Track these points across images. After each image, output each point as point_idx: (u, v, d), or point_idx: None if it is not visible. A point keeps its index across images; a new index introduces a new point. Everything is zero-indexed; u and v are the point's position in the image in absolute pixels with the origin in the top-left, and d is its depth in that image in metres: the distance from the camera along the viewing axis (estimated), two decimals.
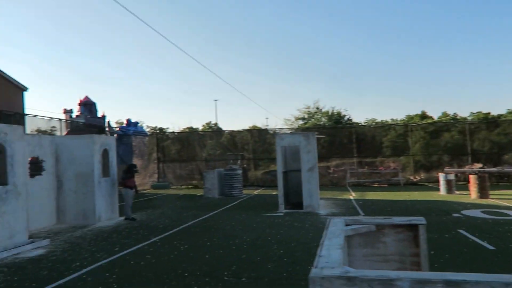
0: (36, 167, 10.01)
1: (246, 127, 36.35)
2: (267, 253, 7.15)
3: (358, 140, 24.02)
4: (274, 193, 18.92)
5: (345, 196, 16.92)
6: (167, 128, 48.31)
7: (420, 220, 2.61)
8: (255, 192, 20.09)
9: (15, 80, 20.58)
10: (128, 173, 11.51)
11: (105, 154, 11.18)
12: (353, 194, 17.69)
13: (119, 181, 11.54)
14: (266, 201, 15.57)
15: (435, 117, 31.98)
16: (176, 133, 29.02)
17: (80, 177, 10.69)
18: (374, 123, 32.94)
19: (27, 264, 6.74)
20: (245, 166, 24.10)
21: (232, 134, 27.58)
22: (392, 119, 35.00)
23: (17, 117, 15.83)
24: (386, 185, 21.98)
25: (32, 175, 9.95)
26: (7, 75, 19.91)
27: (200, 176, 25.12)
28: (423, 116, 31.72)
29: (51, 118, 16.69)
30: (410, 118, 32.57)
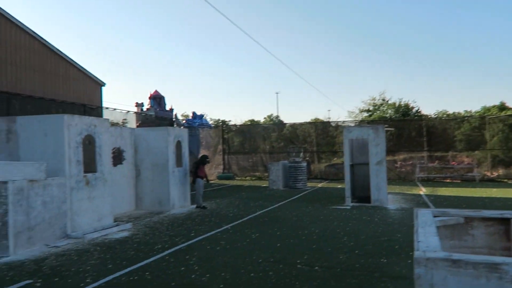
0: (118, 156, 10.89)
1: (307, 120, 36.21)
2: (337, 244, 7.21)
3: (428, 133, 22.87)
4: (339, 186, 18.75)
5: (415, 191, 16.29)
6: (230, 121, 49.53)
7: None
8: (319, 185, 20.04)
9: (94, 76, 22.28)
10: (199, 163, 12.10)
11: (178, 145, 11.85)
12: (423, 189, 16.98)
13: (191, 171, 12.16)
14: (331, 194, 15.49)
15: None
16: (238, 126, 29.70)
17: (156, 167, 11.45)
18: (445, 115, 31.13)
19: (115, 244, 7.43)
20: (307, 159, 24.06)
21: (294, 126, 27.62)
22: (466, 111, 32.82)
23: (99, 110, 17.20)
24: (459, 181, 20.78)
25: (115, 164, 10.82)
26: (88, 71, 21.62)
27: (263, 168, 25.54)
28: (502, 107, 29.31)
29: (128, 111, 17.90)
30: (486, 109, 30.27)
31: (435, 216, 2.50)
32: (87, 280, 5.33)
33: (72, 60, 19.58)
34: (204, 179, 12.22)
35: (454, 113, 33.18)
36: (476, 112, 31.61)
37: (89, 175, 8.30)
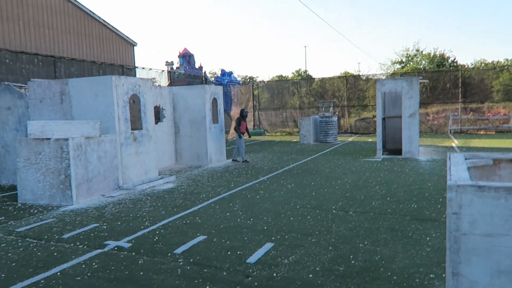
0: (158, 114, 11.48)
1: (336, 74, 35.64)
2: (369, 192, 7.63)
3: (464, 84, 22.27)
4: (370, 140, 18.94)
5: (447, 143, 16.30)
6: (257, 77, 49.31)
7: None
8: (350, 139, 20.26)
9: (127, 36, 22.73)
10: (241, 118, 12.55)
11: (214, 102, 12.31)
12: (456, 141, 16.93)
13: (235, 128, 12.62)
14: (362, 147, 15.76)
15: None
16: (266, 82, 29.74)
17: (193, 123, 12.02)
18: (484, 65, 29.91)
19: (163, 194, 8.15)
20: (337, 113, 24.11)
21: (323, 81, 27.44)
22: (506, 60, 31.36)
23: (135, 70, 17.75)
24: (493, 133, 20.46)
25: (156, 122, 11.45)
26: (120, 32, 22.06)
27: (293, 123, 25.86)
28: None
29: (162, 71, 18.36)
30: None
31: (466, 159, 2.83)
32: (146, 224, 6.04)
33: (104, 21, 20.01)
34: (245, 135, 12.68)
35: (493, 62, 31.81)
36: None
37: (136, 132, 8.93)
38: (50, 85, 8.74)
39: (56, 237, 5.53)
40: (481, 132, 20.85)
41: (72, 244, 5.18)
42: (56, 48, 16.76)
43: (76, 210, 7.00)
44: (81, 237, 5.49)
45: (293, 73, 55.96)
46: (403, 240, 4.90)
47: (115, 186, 8.43)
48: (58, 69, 13.26)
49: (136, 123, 9.25)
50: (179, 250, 4.83)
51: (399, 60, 33.87)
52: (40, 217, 6.64)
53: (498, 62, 31.97)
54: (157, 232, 5.60)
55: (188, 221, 6.10)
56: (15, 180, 9.60)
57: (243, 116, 12.64)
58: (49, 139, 7.35)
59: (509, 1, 59.89)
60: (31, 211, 7.06)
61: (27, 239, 5.48)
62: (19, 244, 5.28)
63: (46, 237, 5.54)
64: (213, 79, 29.99)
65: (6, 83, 9.81)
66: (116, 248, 4.98)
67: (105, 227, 5.94)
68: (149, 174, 9.50)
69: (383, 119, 13.26)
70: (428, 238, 4.93)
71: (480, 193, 1.74)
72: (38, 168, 7.43)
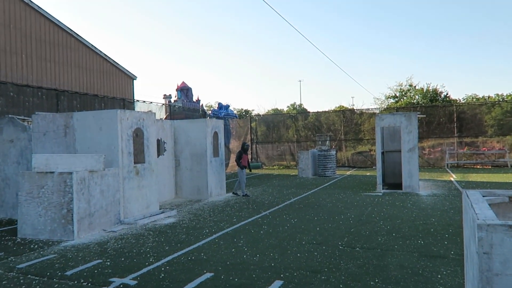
0: (159, 148, 11.51)
1: (331, 108, 36.19)
2: (374, 228, 7.59)
3: (458, 119, 22.67)
4: (368, 173, 18.99)
5: (445, 177, 16.38)
6: (253, 110, 49.84)
7: None
8: (348, 172, 20.31)
9: (127, 70, 23.10)
10: (242, 152, 12.58)
11: (215, 136, 12.40)
12: (454, 175, 17.03)
13: (236, 161, 12.62)
14: (361, 181, 15.78)
15: None
16: (261, 115, 30.06)
17: (194, 157, 12.04)
18: (475, 100, 30.58)
19: (166, 229, 8.04)
20: (334, 147, 24.28)
21: (318, 114, 27.82)
22: (497, 95, 32.15)
23: (134, 104, 17.92)
24: (490, 167, 20.64)
25: (157, 155, 11.46)
26: (121, 66, 22.43)
27: (291, 157, 25.96)
28: None
29: (163, 104, 18.57)
30: None
31: (483, 196, 2.87)
32: (151, 260, 5.92)
33: (105, 55, 20.39)
34: (246, 168, 12.68)
35: (484, 97, 32.56)
36: (507, 96, 30.92)
37: (139, 165, 8.92)
38: (54, 118, 8.80)
39: (59, 273, 5.40)
40: (478, 166, 21.03)
41: (76, 282, 5.06)
42: (58, 81, 16.97)
43: (78, 246, 6.87)
44: (85, 274, 5.36)
45: (288, 106, 56.73)
46: (414, 278, 4.84)
47: (116, 220, 8.32)
48: (61, 102, 13.39)
49: (138, 156, 9.26)
50: None
51: (393, 94, 34.58)
52: (41, 252, 6.50)
53: (489, 97, 32.74)
54: (163, 268, 5.49)
55: (193, 257, 6.00)
56: (13, 214, 9.46)
57: (244, 149, 12.69)
58: (53, 172, 7.32)
59: (497, 38, 62.10)
60: (31, 246, 6.92)
61: (29, 276, 5.35)
62: (21, 281, 5.14)
63: (48, 274, 5.41)
64: (210, 112, 30.28)
65: (10, 116, 9.86)
66: (122, 286, 4.86)
67: (108, 263, 5.82)
68: (150, 208, 9.41)
69: (382, 153, 13.38)
70: (439, 276, 4.87)
71: (511, 232, 1.77)
72: (40, 202, 7.35)
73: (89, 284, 4.95)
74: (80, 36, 18.92)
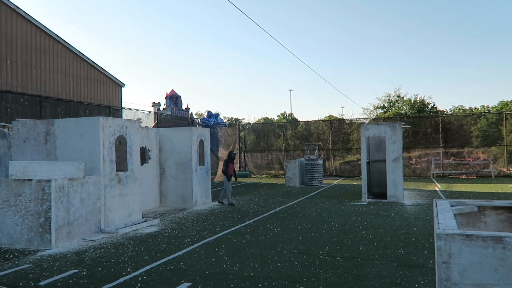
0: (144, 155, 11.41)
1: (321, 117, 36.37)
2: (356, 237, 7.58)
3: (444, 130, 22.96)
4: (354, 183, 19.06)
5: (430, 187, 16.51)
6: (243, 119, 49.91)
7: None
8: (335, 182, 20.36)
9: (114, 77, 22.97)
10: (229, 161, 12.52)
11: (201, 144, 12.34)
12: (439, 185, 17.17)
13: (223, 170, 12.55)
14: (347, 191, 15.81)
15: None
16: (251, 124, 30.09)
17: (179, 165, 11.95)
18: (462, 111, 31.04)
19: (147, 238, 7.93)
20: (322, 156, 24.36)
21: (308, 124, 27.93)
22: (483, 106, 32.66)
23: (121, 111, 17.80)
24: (474, 177, 20.88)
25: (141, 163, 11.35)
26: (108, 73, 22.30)
27: (279, 166, 25.94)
28: None
29: (150, 112, 18.47)
30: (504, 104, 30.10)
31: (452, 206, 2.88)
32: (128, 270, 5.82)
33: (93, 62, 20.26)
34: (233, 177, 12.62)
35: (470, 108, 33.08)
36: (493, 107, 31.44)
37: (121, 173, 8.82)
38: (35, 125, 8.67)
39: (32, 284, 5.26)
40: (463, 177, 21.25)
41: None
42: (43, 88, 16.79)
43: (55, 255, 6.72)
44: (59, 284, 5.24)
45: (278, 115, 56.91)
46: (392, 287, 4.82)
47: (96, 229, 8.18)
48: (44, 109, 13.22)
49: (121, 164, 9.15)
50: None
51: (381, 105, 34.92)
52: (16, 262, 6.34)
53: (475, 108, 33.28)
54: (140, 279, 5.39)
55: (172, 267, 5.91)
56: None
57: (231, 158, 12.65)
58: (30, 180, 7.18)
59: (483, 50, 63.38)
60: (6, 256, 6.75)
61: (1, 286, 5.20)
62: None
63: (21, 284, 5.27)
64: (199, 120, 30.21)
65: None
66: None
67: (84, 273, 5.70)
68: (132, 217, 9.28)
69: (368, 162, 13.44)
70: (416, 286, 4.87)
71: (469, 242, 1.76)
72: (17, 210, 7.20)
73: None
74: (67, 43, 18.79)
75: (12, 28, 16.06)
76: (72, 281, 5.34)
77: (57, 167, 7.32)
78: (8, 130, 9.65)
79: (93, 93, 19.73)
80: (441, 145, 22.62)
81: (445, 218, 2.16)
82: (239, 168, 26.36)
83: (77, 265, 6.11)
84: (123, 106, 21.38)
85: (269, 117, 47.73)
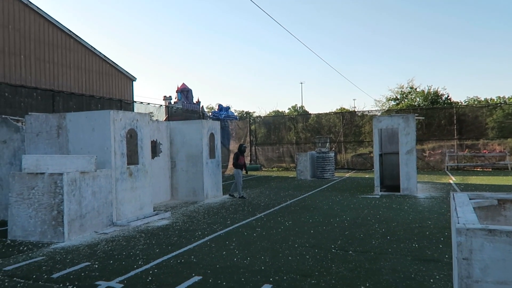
0: (155, 149, 11.43)
1: (332, 110, 36.05)
2: (369, 231, 7.47)
3: (459, 121, 22.52)
4: (366, 176, 18.86)
5: (444, 180, 16.24)
6: (254, 112, 49.78)
7: None
8: (347, 175, 20.18)
9: (126, 71, 23.04)
10: (239, 153, 12.48)
11: (211, 137, 12.30)
12: (453, 178, 16.89)
13: (233, 163, 12.53)
14: (359, 184, 15.66)
15: None
16: (262, 117, 29.95)
17: (190, 158, 11.95)
18: (477, 102, 30.42)
19: (158, 231, 7.94)
20: (333, 149, 24.16)
21: (319, 117, 27.70)
22: (499, 97, 31.98)
23: (132, 105, 17.86)
24: (490, 170, 20.48)
25: (152, 157, 11.37)
26: (120, 67, 22.37)
27: (290, 159, 25.84)
28: None
29: (160, 105, 18.49)
30: None
31: (470, 199, 2.76)
32: (139, 263, 5.82)
33: (104, 56, 20.34)
34: (243, 170, 12.58)
35: (486, 99, 32.40)
36: (509, 98, 30.75)
37: (132, 166, 8.83)
38: (47, 118, 8.72)
39: (45, 276, 5.30)
40: (478, 169, 20.87)
41: (61, 285, 4.96)
42: (56, 82, 16.92)
43: (67, 248, 6.78)
44: (71, 276, 5.27)
45: (289, 108, 56.66)
46: (406, 282, 4.72)
47: (108, 222, 8.23)
48: (57, 103, 13.32)
49: (132, 157, 9.17)
50: None
51: (394, 97, 34.44)
52: (30, 255, 6.41)
53: (491, 99, 32.57)
54: (151, 272, 5.39)
55: (183, 260, 5.89)
56: (6, 216, 9.36)
57: (241, 151, 12.60)
58: (43, 173, 7.23)
59: (498, 40, 61.98)
60: (21, 248, 6.83)
61: (15, 278, 5.25)
62: (6, 284, 5.05)
63: (34, 276, 5.31)
64: (210, 114, 30.19)
65: (3, 116, 9.80)
66: None
67: (96, 266, 5.72)
68: (144, 210, 9.31)
69: (380, 155, 13.26)
70: (431, 280, 4.76)
71: (492, 237, 1.66)
72: (31, 203, 7.27)
73: (74, 287, 4.85)
74: (79, 37, 18.88)
75: (26, 23, 16.18)
76: (84, 273, 5.37)
77: (68, 160, 7.36)
78: (22, 124, 9.74)
79: (105, 87, 19.83)
80: (455, 137, 22.22)
81: (464, 212, 2.05)
82: (250, 161, 26.32)
83: (89, 257, 6.14)
84: (134, 99, 21.47)
85: (280, 110, 47.55)
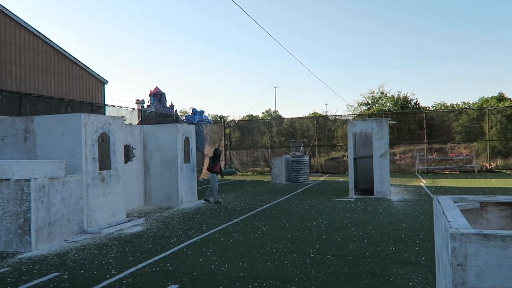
0: (128, 153, 11.11)
1: (305, 114, 36.41)
2: (346, 234, 7.49)
3: (428, 126, 23.18)
4: (340, 179, 19.07)
5: (415, 183, 16.63)
6: (228, 116, 49.60)
7: None
8: (321, 178, 20.34)
9: (97, 74, 22.42)
10: (215, 158, 12.31)
11: (186, 141, 12.09)
12: (424, 181, 17.31)
13: (208, 168, 12.33)
14: (334, 187, 15.79)
15: None
16: (236, 121, 29.84)
17: (164, 163, 11.69)
18: (443, 107, 31.44)
19: (131, 238, 7.68)
20: (307, 153, 24.32)
21: (293, 121, 27.88)
22: (464, 103, 33.17)
23: (104, 108, 17.37)
24: (458, 172, 21.16)
25: (125, 161, 11.04)
26: (91, 70, 21.74)
27: (264, 163, 25.82)
28: (501, 98, 29.65)
29: (133, 109, 18.08)
30: (485, 101, 30.60)
31: (454, 202, 2.76)
32: (112, 272, 5.58)
33: (75, 58, 19.70)
34: (219, 175, 12.43)
35: (452, 104, 33.54)
36: (474, 104, 31.95)
37: (104, 172, 8.53)
38: (13, 122, 8.30)
39: None
40: (447, 172, 21.51)
41: None
42: (23, 84, 16.21)
43: (35, 258, 6.43)
44: None
45: (263, 112, 56.80)
46: (385, 286, 4.73)
47: (79, 230, 7.89)
48: (24, 106, 12.75)
49: (104, 162, 8.86)
50: None
51: (365, 102, 35.10)
52: None
53: (456, 105, 33.75)
54: (124, 281, 5.17)
55: (158, 268, 5.70)
56: None
57: (216, 155, 12.44)
58: (8, 179, 6.85)
59: (463, 48, 64.50)
60: None
61: None
62: None
63: None
64: (184, 118, 29.80)
65: None
66: None
67: (66, 276, 5.44)
68: (116, 217, 9.00)
69: (354, 159, 13.41)
70: (410, 283, 4.78)
71: (486, 242, 1.64)
72: None
73: None
74: (48, 38, 18.19)
75: None
76: (52, 285, 5.09)
77: (36, 165, 7.00)
78: None
79: (75, 90, 19.19)
80: (425, 141, 22.85)
81: (454, 216, 2.03)
82: (225, 165, 26.12)
83: (59, 268, 5.85)
84: (106, 103, 20.89)
85: (254, 114, 47.59)
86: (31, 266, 5.96)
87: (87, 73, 20.68)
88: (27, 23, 17.01)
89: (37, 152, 8.03)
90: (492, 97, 30.58)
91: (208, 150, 25.25)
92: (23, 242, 6.81)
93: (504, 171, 20.70)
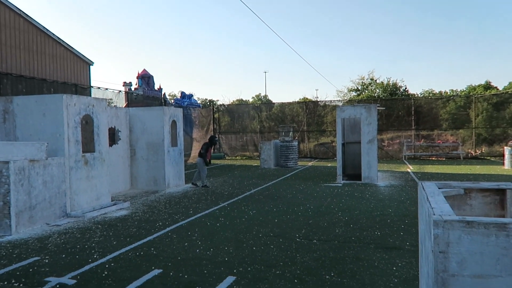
0: (113, 136, 10.91)
1: (295, 99, 36.31)
2: (332, 219, 7.50)
3: (416, 112, 23.30)
4: (329, 165, 19.12)
5: (402, 169, 16.76)
6: (217, 100, 49.23)
7: (508, 185, 2.78)
8: (310, 163, 20.38)
9: (82, 55, 21.90)
10: (209, 145, 12.22)
11: (173, 125, 11.91)
12: (411, 167, 17.46)
13: (200, 153, 12.18)
14: (322, 172, 15.82)
15: (501, 88, 30.05)
16: (226, 105, 29.62)
17: (151, 146, 11.52)
18: (432, 95, 31.61)
19: (116, 222, 7.58)
20: (296, 138, 24.31)
21: (282, 106, 27.76)
22: (452, 90, 33.38)
23: (89, 90, 17.01)
24: (444, 159, 21.39)
25: (110, 144, 10.85)
26: (76, 50, 21.22)
27: (253, 147, 25.76)
28: (487, 86, 29.90)
29: (120, 91, 17.73)
30: (472, 88, 30.85)
31: (438, 188, 2.72)
32: (95, 256, 5.50)
33: (59, 38, 19.17)
34: (208, 160, 12.35)
35: (440, 92, 33.76)
36: (461, 92, 32.20)
37: (88, 154, 8.35)
38: None
39: None
40: (433, 158, 21.73)
41: (6, 282, 4.57)
42: (4, 64, 15.74)
43: (15, 242, 6.30)
44: (18, 273, 4.87)
45: (253, 97, 56.49)
46: (370, 271, 4.73)
47: (62, 213, 7.76)
48: (4, 85, 12.37)
49: (88, 145, 8.67)
50: (131, 287, 4.37)
51: (355, 88, 35.10)
52: None
53: (444, 92, 33.99)
54: (107, 266, 5.09)
55: (142, 253, 5.63)
56: None
57: (212, 143, 12.39)
58: None
59: (452, 36, 64.71)
60: None
61: None
62: None
63: None
64: (172, 101, 29.43)
65: None
66: (58, 286, 4.44)
67: (47, 260, 5.34)
68: (100, 200, 8.87)
69: (342, 144, 13.41)
70: (394, 268, 4.80)
71: (469, 229, 1.58)
72: None
73: (21, 285, 4.49)
74: (30, 17, 17.63)
75: None
76: (32, 269, 4.99)
77: (16, 147, 6.81)
78: None
79: (59, 71, 18.72)
80: (413, 128, 22.99)
81: (437, 202, 1.98)
82: (214, 150, 25.99)
83: (39, 252, 5.74)
84: (91, 85, 20.46)
85: (244, 99, 47.30)
86: (10, 250, 5.83)
87: (72, 54, 20.17)
88: (7, 1, 16.43)
89: (17, 133, 7.80)
90: (479, 85, 30.81)
91: (197, 134, 25.07)
92: (2, 225, 6.66)
93: (488, 158, 20.98)
